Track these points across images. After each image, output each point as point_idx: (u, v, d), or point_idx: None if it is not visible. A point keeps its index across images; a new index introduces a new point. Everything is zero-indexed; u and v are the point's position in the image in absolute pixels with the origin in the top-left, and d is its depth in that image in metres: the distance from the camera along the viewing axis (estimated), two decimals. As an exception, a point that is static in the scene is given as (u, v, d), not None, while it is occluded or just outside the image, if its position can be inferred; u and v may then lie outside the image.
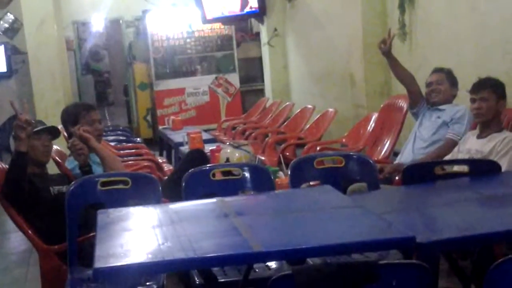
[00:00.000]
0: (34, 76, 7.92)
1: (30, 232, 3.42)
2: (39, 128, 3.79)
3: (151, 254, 2.10)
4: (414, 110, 4.81)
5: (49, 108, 7.69)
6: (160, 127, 9.09)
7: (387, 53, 4.77)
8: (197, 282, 2.85)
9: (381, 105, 5.92)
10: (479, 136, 3.97)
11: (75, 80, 12.66)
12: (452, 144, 4.26)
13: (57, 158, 4.27)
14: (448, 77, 4.63)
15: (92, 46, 16.39)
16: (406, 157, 4.60)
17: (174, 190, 3.83)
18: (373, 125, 5.76)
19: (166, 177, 4.60)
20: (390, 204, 2.86)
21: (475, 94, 3.94)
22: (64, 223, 3.14)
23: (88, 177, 3.52)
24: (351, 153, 3.69)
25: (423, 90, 4.74)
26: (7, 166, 3.54)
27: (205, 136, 6.82)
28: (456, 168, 3.39)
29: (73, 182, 3.33)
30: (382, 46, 4.76)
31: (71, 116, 4.24)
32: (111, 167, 3.91)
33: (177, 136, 7.08)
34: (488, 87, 3.91)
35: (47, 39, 7.84)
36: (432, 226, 2.51)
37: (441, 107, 4.59)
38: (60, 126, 4.36)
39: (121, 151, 6.42)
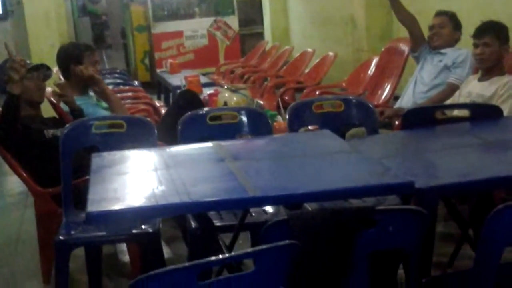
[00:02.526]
0: (29, 18, 7.79)
1: (24, 175, 3.40)
2: (31, 66, 3.72)
3: (145, 198, 2.07)
4: (416, 54, 4.73)
5: (44, 50, 7.57)
6: (158, 71, 8.99)
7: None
8: (193, 226, 2.83)
9: (382, 49, 5.83)
10: (480, 79, 3.90)
11: (71, 22, 12.49)
12: (453, 88, 4.20)
13: (52, 99, 4.21)
14: (451, 20, 4.53)
15: (89, -13, 16.16)
16: (406, 101, 4.54)
17: (169, 133, 3.80)
18: (373, 69, 5.68)
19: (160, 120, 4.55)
20: (389, 149, 2.82)
21: (477, 39, 3.85)
22: (58, 166, 3.11)
23: (82, 120, 3.47)
24: (350, 97, 3.63)
25: (426, 34, 4.65)
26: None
27: (203, 79, 6.74)
28: (457, 112, 3.35)
29: (67, 125, 3.28)
30: None
31: (73, 56, 4.15)
32: (118, 112, 3.95)
33: (175, 80, 6.99)
34: (491, 32, 3.83)
35: (42, -20, 7.70)
36: (431, 171, 2.48)
37: (442, 50, 4.51)
38: (55, 69, 4.29)
39: (118, 94, 6.34)
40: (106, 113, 4.05)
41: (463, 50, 4.43)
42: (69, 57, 4.15)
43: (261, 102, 5.69)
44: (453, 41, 4.55)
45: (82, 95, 4.13)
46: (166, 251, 3.63)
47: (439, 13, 4.60)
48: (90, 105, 4.08)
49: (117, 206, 2.01)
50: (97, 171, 2.41)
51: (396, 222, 1.80)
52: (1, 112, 3.42)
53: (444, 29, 4.52)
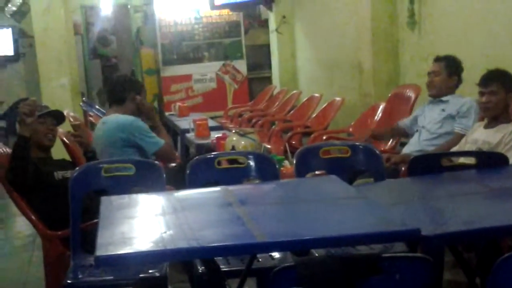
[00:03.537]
0: (40, 60, 7.89)
1: (33, 217, 3.42)
2: (43, 112, 3.78)
3: (153, 243, 2.08)
4: (410, 134, 4.80)
5: (55, 92, 7.67)
6: (167, 113, 9.07)
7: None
8: (200, 271, 2.84)
9: (389, 95, 5.88)
10: (486, 126, 3.93)
11: (82, 64, 12.64)
12: (460, 138, 4.21)
13: (64, 139, 4.26)
14: (447, 66, 4.52)
15: (100, 30, 16.31)
16: (412, 148, 4.56)
17: (178, 177, 3.83)
18: (380, 114, 5.72)
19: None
20: (396, 195, 2.83)
21: (483, 88, 3.88)
22: (68, 209, 3.13)
23: (92, 163, 3.51)
24: (357, 144, 3.65)
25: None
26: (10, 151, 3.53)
27: (211, 123, 6.79)
28: (463, 159, 3.36)
29: (76, 168, 3.32)
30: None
31: (136, 86, 4.36)
32: (167, 136, 4.30)
33: (183, 123, 7.05)
34: (497, 80, 3.86)
35: (55, 23, 7.80)
36: (437, 219, 2.48)
37: (444, 98, 4.51)
38: (65, 111, 4.35)
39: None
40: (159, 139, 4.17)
41: (467, 99, 4.44)
42: (132, 85, 4.33)
43: (269, 146, 5.73)
44: (450, 88, 4.54)
45: None
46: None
47: (436, 60, 4.61)
48: (142, 123, 4.21)
49: (125, 250, 2.02)
50: (106, 215, 2.42)
51: (403, 270, 1.81)
52: (11, 153, 3.46)
53: (438, 77, 4.51)
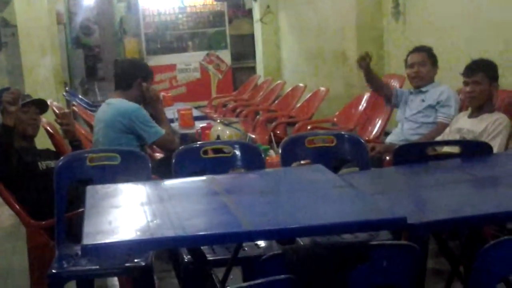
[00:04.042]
0: (23, 50, 7.83)
1: (17, 207, 3.39)
2: (27, 100, 3.74)
3: (140, 231, 2.08)
4: (392, 103, 4.77)
5: (38, 82, 7.62)
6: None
7: (366, 70, 4.66)
8: (186, 260, 2.84)
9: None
10: (470, 116, 3.96)
11: (65, 54, 12.55)
12: (444, 127, 4.24)
13: (48, 128, 4.23)
14: (429, 56, 4.52)
15: (83, 20, 16.26)
16: (396, 138, 4.58)
17: (163, 167, 3.82)
18: (364, 104, 5.74)
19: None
20: (381, 184, 2.84)
21: (468, 77, 3.90)
22: (52, 199, 3.11)
23: (76, 152, 3.49)
24: (343, 133, 3.67)
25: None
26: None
27: (196, 113, 6.76)
28: (447, 148, 3.38)
29: (61, 157, 3.30)
30: (362, 64, 4.59)
31: (143, 72, 4.30)
32: (168, 127, 4.26)
33: (168, 113, 6.89)
34: (481, 71, 3.88)
35: (38, 12, 7.74)
36: (422, 207, 2.50)
37: (423, 88, 4.53)
38: (49, 100, 4.32)
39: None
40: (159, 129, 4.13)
41: (444, 88, 4.46)
42: (139, 71, 4.27)
43: (253, 136, 5.74)
44: (432, 78, 4.55)
45: None
46: (157, 286, 3.62)
47: (418, 49, 4.57)
48: (143, 111, 4.17)
49: (112, 239, 2.02)
50: (91, 204, 2.41)
51: (390, 258, 1.82)
52: (-5, 143, 3.43)
53: (424, 68, 4.50)
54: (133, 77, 4.22)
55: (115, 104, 4.18)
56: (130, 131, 4.06)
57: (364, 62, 4.58)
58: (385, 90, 4.81)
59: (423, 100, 4.49)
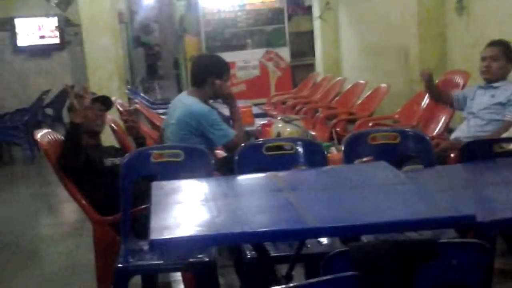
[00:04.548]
0: (87, 49, 7.97)
1: (84, 202, 3.47)
2: (92, 97, 3.82)
3: (205, 227, 2.11)
4: (455, 108, 4.73)
5: (102, 80, 7.75)
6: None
7: (428, 85, 4.70)
8: (249, 256, 2.85)
9: (436, 81, 5.80)
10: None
11: (126, 53, 12.76)
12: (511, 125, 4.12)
13: (113, 125, 4.31)
14: (505, 51, 4.40)
15: (143, 19, 16.50)
16: (461, 134, 4.49)
17: (225, 165, 3.84)
18: (427, 101, 5.64)
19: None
20: (447, 182, 2.80)
21: None
22: (117, 195, 3.17)
23: (141, 149, 3.54)
24: (407, 129, 3.61)
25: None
26: (62, 138, 3.59)
27: (255, 110, 6.78)
28: (515, 146, 3.30)
29: (126, 154, 3.35)
30: (425, 78, 4.66)
31: (217, 68, 4.27)
32: (240, 130, 4.20)
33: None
34: None
35: (101, 12, 7.87)
36: (489, 205, 2.45)
37: (495, 84, 4.41)
38: (113, 98, 4.39)
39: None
40: (230, 129, 4.15)
41: None
42: (213, 68, 4.25)
43: (313, 133, 5.72)
44: (505, 74, 4.44)
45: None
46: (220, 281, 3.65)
47: (493, 43, 4.48)
48: (214, 114, 4.18)
49: (179, 234, 2.05)
50: (157, 200, 2.44)
51: (459, 256, 1.79)
52: (64, 140, 3.51)
53: (497, 62, 4.39)
54: (206, 75, 4.20)
55: (186, 104, 4.17)
56: (199, 133, 4.07)
57: (426, 77, 4.64)
58: (444, 99, 4.80)
59: (493, 96, 4.37)
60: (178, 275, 3.79)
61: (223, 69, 4.28)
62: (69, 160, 3.42)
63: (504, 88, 4.36)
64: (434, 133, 5.19)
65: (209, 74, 4.20)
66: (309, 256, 2.88)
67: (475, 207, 2.28)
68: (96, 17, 7.87)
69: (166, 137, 4.21)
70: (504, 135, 4.01)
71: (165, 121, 4.37)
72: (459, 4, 6.17)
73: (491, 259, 2.39)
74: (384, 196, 2.41)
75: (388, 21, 7.89)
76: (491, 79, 4.43)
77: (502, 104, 4.32)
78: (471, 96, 4.56)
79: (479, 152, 2.99)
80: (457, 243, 1.93)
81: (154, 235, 2.00)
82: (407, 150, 3.43)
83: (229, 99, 4.28)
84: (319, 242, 3.02)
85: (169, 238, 2.00)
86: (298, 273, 3.19)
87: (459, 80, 5.24)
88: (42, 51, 12.00)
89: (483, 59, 4.46)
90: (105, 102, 3.91)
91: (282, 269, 2.88)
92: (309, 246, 2.96)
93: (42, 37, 11.94)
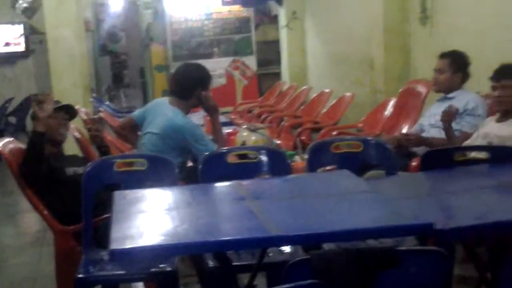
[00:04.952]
0: (52, 57, 7.89)
1: (45, 212, 3.43)
2: (56, 106, 3.79)
3: (167, 236, 2.10)
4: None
5: (66, 89, 7.67)
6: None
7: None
8: (210, 265, 2.85)
9: (399, 90, 5.86)
10: (499, 120, 3.91)
11: (92, 61, 12.68)
12: (467, 137, 4.15)
13: (77, 134, 4.27)
14: (452, 63, 4.45)
15: (110, 27, 16.39)
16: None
17: (189, 173, 3.84)
18: (391, 110, 5.70)
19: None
20: (408, 190, 2.83)
21: (496, 82, 3.86)
22: (79, 204, 3.14)
23: (105, 158, 3.52)
24: (369, 138, 3.66)
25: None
26: (24, 146, 3.55)
27: (221, 119, 6.74)
28: (475, 154, 3.36)
29: (89, 164, 3.33)
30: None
31: (204, 80, 4.20)
32: (222, 141, 4.14)
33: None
34: (509, 74, 3.84)
35: (66, 19, 7.81)
36: (449, 213, 2.49)
37: (450, 95, 4.46)
38: (77, 107, 4.36)
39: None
40: (212, 143, 4.08)
41: (472, 96, 4.39)
42: (200, 80, 4.18)
43: (279, 142, 5.74)
44: (455, 85, 4.47)
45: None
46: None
47: (442, 56, 4.53)
48: (198, 128, 4.15)
49: (140, 244, 2.04)
50: (119, 209, 2.43)
51: (418, 263, 1.81)
52: (26, 149, 3.48)
53: (443, 75, 4.46)
54: (192, 86, 4.14)
55: (169, 117, 4.06)
56: (178, 146, 4.01)
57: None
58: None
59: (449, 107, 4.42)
60: (140, 285, 3.77)
61: (208, 80, 4.24)
62: (31, 168, 3.39)
63: (458, 98, 4.40)
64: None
65: (196, 86, 4.13)
66: (271, 265, 2.88)
67: (435, 215, 2.31)
68: (61, 25, 7.80)
69: (141, 143, 4.14)
70: (467, 142, 4.06)
71: (139, 117, 4.27)
72: (422, 14, 6.25)
73: (450, 266, 2.42)
74: (346, 204, 2.43)
75: (353, 30, 7.96)
76: (439, 90, 4.53)
77: (459, 114, 4.35)
78: (427, 113, 4.62)
79: (439, 160, 3.03)
80: (416, 250, 1.96)
81: (115, 245, 1.98)
82: (370, 158, 3.47)
83: (212, 111, 4.23)
84: (281, 251, 3.03)
85: (130, 248, 1.99)
86: (260, 282, 3.20)
87: (421, 89, 5.31)
88: (6, 59, 11.86)
89: (434, 71, 4.55)
90: (69, 111, 3.88)
91: (244, 278, 2.88)
92: (271, 254, 2.97)
93: (7, 44, 11.80)
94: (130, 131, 4.34)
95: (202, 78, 4.20)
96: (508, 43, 5.10)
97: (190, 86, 4.14)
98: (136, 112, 4.43)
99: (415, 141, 4.34)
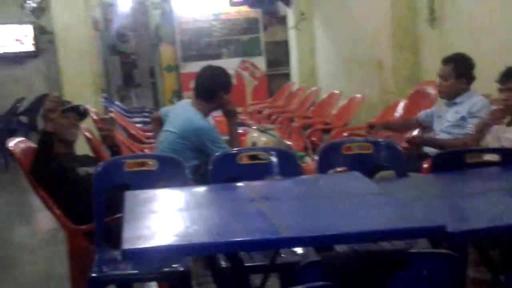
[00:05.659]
0: (61, 57, 7.90)
1: (58, 211, 3.44)
2: (68, 106, 3.80)
3: (178, 237, 2.11)
4: (427, 125, 4.72)
5: (76, 89, 7.68)
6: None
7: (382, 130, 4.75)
8: (223, 266, 2.85)
9: (410, 91, 5.85)
10: (508, 124, 3.90)
11: (102, 61, 12.69)
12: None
13: (87, 134, 4.29)
14: (455, 68, 4.39)
15: (119, 27, 16.41)
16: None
17: (200, 174, 3.84)
18: (401, 111, 5.69)
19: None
20: (419, 192, 2.83)
21: (502, 84, 3.85)
22: (91, 204, 3.15)
23: (115, 158, 3.53)
24: (380, 140, 3.65)
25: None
26: (35, 146, 3.57)
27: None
28: (487, 157, 3.35)
29: (100, 163, 3.34)
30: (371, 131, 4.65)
31: (227, 84, 4.27)
32: (237, 146, 4.11)
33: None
34: None
35: (75, 19, 7.81)
36: (461, 215, 2.49)
37: (456, 100, 4.42)
38: (87, 106, 4.37)
39: (147, 133, 6.43)
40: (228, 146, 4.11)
41: (478, 98, 4.36)
42: (223, 83, 4.25)
43: (289, 143, 5.74)
44: (459, 90, 4.42)
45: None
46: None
47: (444, 61, 4.48)
48: (215, 131, 4.17)
49: (151, 244, 2.05)
50: (130, 209, 2.44)
51: (430, 266, 1.81)
52: (36, 148, 3.50)
53: (447, 81, 4.42)
54: (216, 89, 4.19)
55: (189, 118, 4.13)
56: (195, 148, 4.05)
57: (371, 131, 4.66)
58: (412, 123, 4.86)
59: (457, 112, 4.37)
60: (154, 285, 3.78)
61: (231, 84, 4.31)
62: (40, 167, 3.41)
63: (466, 103, 4.36)
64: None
65: (218, 88, 4.19)
66: (283, 266, 2.89)
67: (447, 217, 2.31)
68: (70, 25, 7.81)
69: (160, 140, 4.22)
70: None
71: (164, 113, 4.39)
72: (431, 16, 6.24)
73: (462, 269, 2.42)
74: (357, 206, 2.43)
75: (362, 31, 7.95)
76: (444, 97, 4.51)
77: (465, 119, 4.34)
78: (437, 115, 4.60)
79: (450, 162, 3.02)
80: (427, 253, 1.96)
81: (127, 245, 1.99)
82: (380, 160, 3.46)
83: (231, 115, 4.28)
84: (294, 252, 3.03)
85: (142, 248, 2.00)
86: (273, 283, 3.21)
87: (431, 90, 5.30)
88: (15, 59, 11.89)
89: (438, 76, 4.52)
90: (80, 112, 3.89)
91: (257, 279, 2.88)
92: (283, 255, 2.97)
93: (16, 44, 11.83)
94: (157, 124, 4.46)
95: (225, 81, 4.27)
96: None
97: (213, 88, 4.19)
98: (164, 108, 4.57)
99: (420, 143, 4.32)
